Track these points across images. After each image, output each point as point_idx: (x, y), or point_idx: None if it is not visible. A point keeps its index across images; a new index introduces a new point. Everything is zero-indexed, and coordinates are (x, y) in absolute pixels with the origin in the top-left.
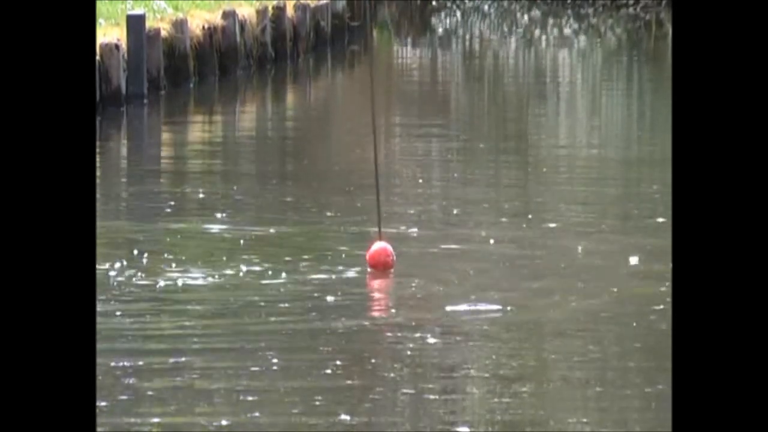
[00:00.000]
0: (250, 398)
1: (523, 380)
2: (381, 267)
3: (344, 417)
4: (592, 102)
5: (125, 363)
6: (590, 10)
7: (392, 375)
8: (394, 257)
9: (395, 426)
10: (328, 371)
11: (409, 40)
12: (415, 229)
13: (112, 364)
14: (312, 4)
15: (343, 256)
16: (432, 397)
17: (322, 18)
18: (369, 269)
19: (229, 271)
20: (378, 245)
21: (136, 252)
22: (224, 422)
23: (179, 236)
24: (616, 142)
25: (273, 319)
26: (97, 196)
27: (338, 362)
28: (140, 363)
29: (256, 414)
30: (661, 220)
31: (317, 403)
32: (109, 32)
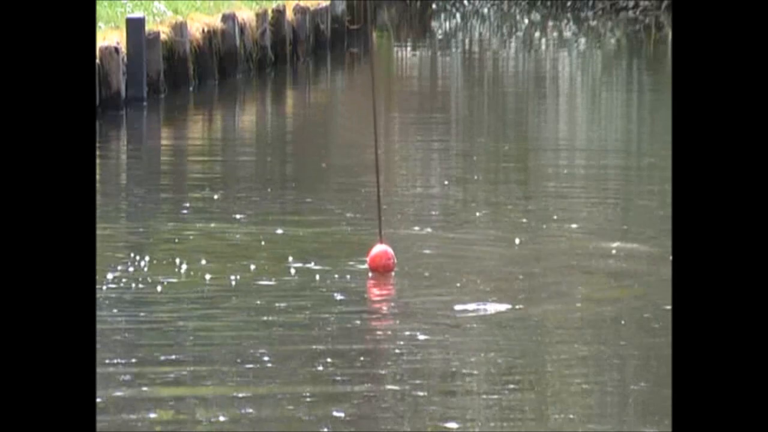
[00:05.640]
0: (243, 395)
1: (521, 379)
2: (381, 270)
3: (338, 414)
4: (594, 103)
5: (120, 360)
6: (590, 14)
7: (389, 373)
8: (395, 260)
9: (392, 423)
10: (321, 368)
11: (409, 43)
12: (417, 230)
13: (107, 361)
14: (312, 8)
15: (344, 257)
16: (429, 395)
17: (321, 21)
18: (369, 272)
19: (226, 270)
20: (378, 248)
21: (134, 253)
22: (221, 418)
23: (177, 237)
24: (622, 142)
25: (270, 318)
26: (97, 198)
27: (335, 360)
28: (134, 360)
29: (250, 411)
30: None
31: (309, 399)
32: (109, 35)
